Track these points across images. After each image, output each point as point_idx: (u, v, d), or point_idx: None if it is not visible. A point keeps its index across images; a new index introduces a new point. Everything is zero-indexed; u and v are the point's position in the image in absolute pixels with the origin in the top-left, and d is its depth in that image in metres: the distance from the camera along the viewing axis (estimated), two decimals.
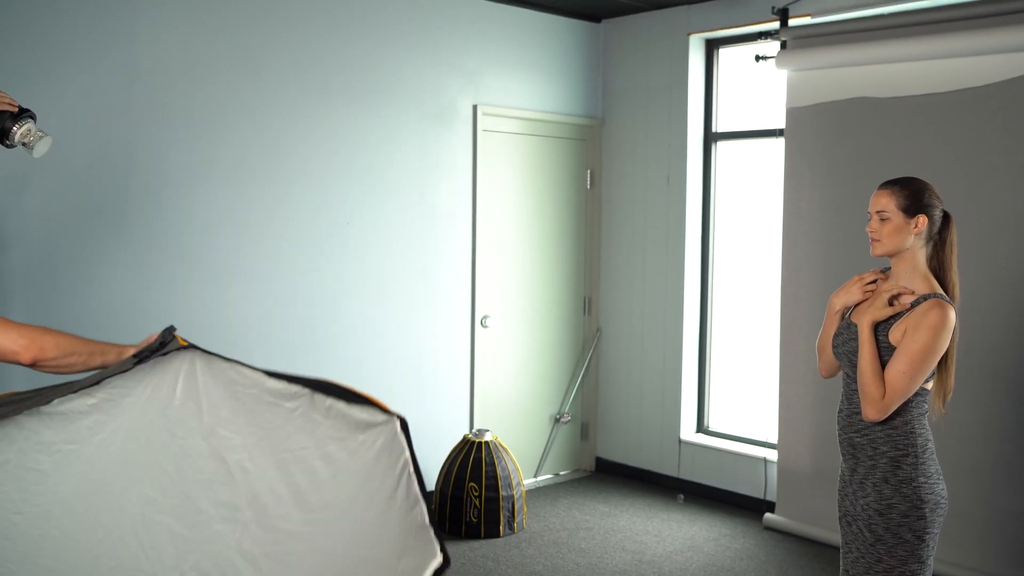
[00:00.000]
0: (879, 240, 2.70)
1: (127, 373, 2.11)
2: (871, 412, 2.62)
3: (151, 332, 2.21)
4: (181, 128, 4.43)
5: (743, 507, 5.51)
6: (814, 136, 4.99)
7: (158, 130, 4.36)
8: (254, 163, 4.68)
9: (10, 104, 2.29)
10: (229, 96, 4.57)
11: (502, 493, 4.99)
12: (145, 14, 4.28)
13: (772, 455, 5.35)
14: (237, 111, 4.60)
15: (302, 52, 4.81)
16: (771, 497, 5.34)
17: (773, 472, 5.32)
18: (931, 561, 2.67)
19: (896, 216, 2.67)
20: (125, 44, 4.23)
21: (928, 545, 2.64)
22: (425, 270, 5.39)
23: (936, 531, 2.66)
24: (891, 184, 2.72)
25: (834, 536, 4.74)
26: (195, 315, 4.48)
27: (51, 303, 4.09)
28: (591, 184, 6.24)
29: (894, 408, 2.61)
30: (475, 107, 5.54)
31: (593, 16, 6.10)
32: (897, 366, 2.59)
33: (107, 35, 4.18)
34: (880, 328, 2.66)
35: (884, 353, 2.64)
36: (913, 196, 2.67)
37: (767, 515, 5.24)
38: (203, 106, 4.49)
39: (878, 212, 2.69)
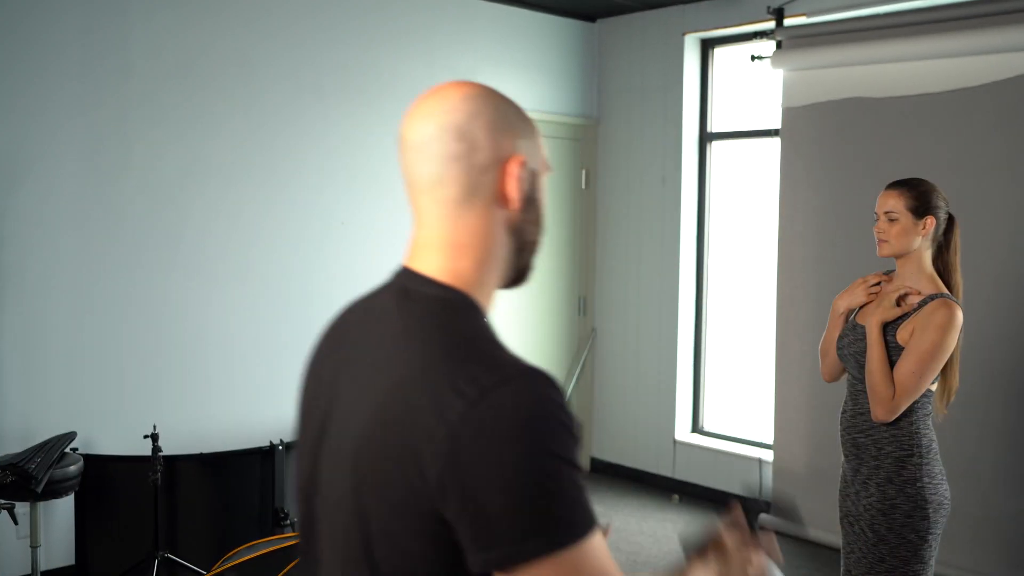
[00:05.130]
0: (887, 241, 2.68)
1: None
2: (881, 412, 2.61)
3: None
4: (175, 128, 4.39)
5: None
6: (810, 136, 4.99)
7: (152, 129, 4.32)
8: (248, 162, 4.65)
9: None
10: (223, 96, 4.54)
11: None
12: (140, 13, 4.25)
13: (767, 455, 5.35)
14: (232, 110, 4.57)
15: (296, 52, 4.79)
16: (766, 497, 5.34)
17: (768, 472, 5.32)
18: (933, 562, 2.67)
19: (904, 217, 2.65)
20: (119, 43, 4.20)
21: (931, 546, 2.64)
22: None
23: (939, 532, 2.65)
24: (899, 185, 2.70)
25: (829, 536, 4.73)
26: (188, 314, 4.46)
27: (46, 302, 4.06)
28: (586, 184, 6.22)
29: (904, 408, 2.61)
30: None
31: (588, 16, 6.08)
32: (907, 366, 2.58)
33: (101, 34, 4.15)
34: (887, 329, 2.65)
35: (892, 353, 2.63)
36: (922, 197, 2.66)
37: (762, 515, 5.22)
38: (197, 106, 4.46)
39: (886, 212, 2.67)
